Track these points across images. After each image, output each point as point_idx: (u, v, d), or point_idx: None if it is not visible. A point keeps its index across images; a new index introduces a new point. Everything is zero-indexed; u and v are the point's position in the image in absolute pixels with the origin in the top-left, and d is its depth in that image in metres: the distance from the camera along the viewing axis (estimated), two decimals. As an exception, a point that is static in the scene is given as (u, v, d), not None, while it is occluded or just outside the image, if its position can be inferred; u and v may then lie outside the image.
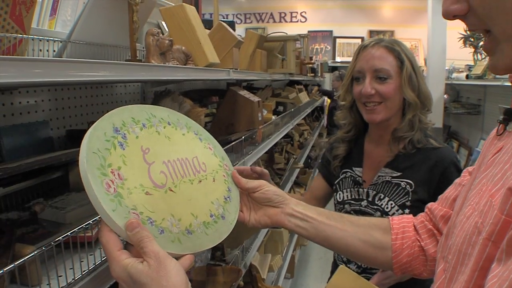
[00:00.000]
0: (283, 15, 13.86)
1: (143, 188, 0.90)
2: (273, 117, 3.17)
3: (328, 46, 13.36)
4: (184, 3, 2.02)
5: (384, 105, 1.70)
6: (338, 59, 13.10)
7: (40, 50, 1.30)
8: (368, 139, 1.89)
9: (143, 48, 1.73)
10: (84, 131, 0.88)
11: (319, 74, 8.27)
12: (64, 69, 0.94)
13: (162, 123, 1.08)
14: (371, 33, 13.24)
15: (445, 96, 6.56)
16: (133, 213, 0.84)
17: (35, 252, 0.79)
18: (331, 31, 13.43)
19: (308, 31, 13.38)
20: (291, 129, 4.89)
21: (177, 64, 1.70)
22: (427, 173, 1.68)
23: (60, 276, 0.87)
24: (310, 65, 5.82)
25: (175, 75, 1.64)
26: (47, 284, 0.85)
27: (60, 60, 1.02)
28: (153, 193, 0.92)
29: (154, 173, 0.95)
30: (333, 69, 11.88)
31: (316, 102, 6.47)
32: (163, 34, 2.05)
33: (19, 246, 0.86)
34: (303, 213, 1.18)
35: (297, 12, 13.79)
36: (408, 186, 1.69)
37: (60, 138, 1.60)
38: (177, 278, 0.79)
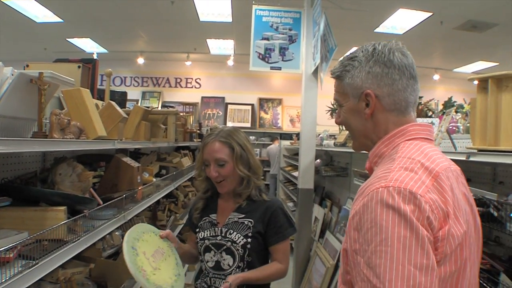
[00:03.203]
0: (178, 80, 14.52)
1: (152, 272, 2.02)
2: (154, 179, 3.74)
3: (220, 112, 14.09)
4: (81, 88, 2.56)
5: (226, 181, 2.42)
6: (229, 124, 13.78)
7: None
8: (221, 196, 2.57)
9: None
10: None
11: (208, 139, 8.82)
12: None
13: (142, 233, 2.20)
14: (261, 100, 14.19)
15: (318, 160, 7.20)
16: (155, 286, 1.97)
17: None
18: (223, 98, 14.25)
19: (202, 97, 14.16)
20: (176, 190, 5.45)
21: (72, 138, 2.23)
22: (262, 214, 2.41)
23: (-11, 280, 1.38)
24: (195, 132, 6.43)
25: (70, 146, 2.19)
26: (-19, 284, 1.36)
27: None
28: (155, 273, 2.04)
29: (151, 263, 2.07)
30: (224, 133, 12.41)
31: (202, 165, 7.01)
32: (62, 107, 2.59)
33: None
34: None
35: (192, 78, 14.52)
36: (249, 223, 2.40)
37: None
38: None
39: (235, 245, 2.35)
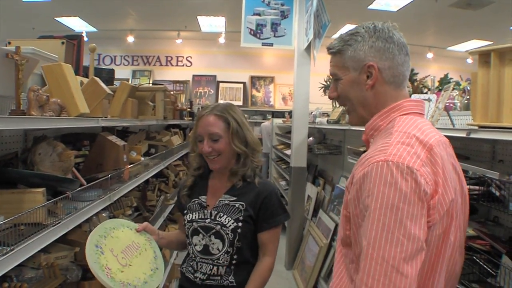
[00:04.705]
0: (169, 58, 14.27)
1: (119, 269, 1.99)
2: (142, 159, 3.62)
3: (211, 90, 13.92)
4: (62, 63, 2.43)
5: (220, 157, 2.30)
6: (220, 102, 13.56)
7: None
8: (212, 176, 2.47)
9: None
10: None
11: (199, 118, 8.70)
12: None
13: (111, 230, 2.16)
14: (253, 78, 14.04)
15: (311, 138, 7.10)
16: (122, 284, 1.93)
17: None
18: (214, 76, 14.04)
19: (193, 75, 13.98)
20: (167, 169, 5.34)
21: (52, 115, 2.11)
22: (254, 198, 2.30)
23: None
24: (185, 110, 6.30)
25: (50, 124, 2.06)
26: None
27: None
28: (124, 270, 2.01)
29: (120, 259, 2.04)
30: (215, 112, 12.32)
31: (193, 144, 6.90)
32: (45, 84, 2.45)
33: None
34: None
35: (183, 57, 14.27)
36: (241, 206, 2.29)
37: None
38: None
39: (224, 228, 2.24)
